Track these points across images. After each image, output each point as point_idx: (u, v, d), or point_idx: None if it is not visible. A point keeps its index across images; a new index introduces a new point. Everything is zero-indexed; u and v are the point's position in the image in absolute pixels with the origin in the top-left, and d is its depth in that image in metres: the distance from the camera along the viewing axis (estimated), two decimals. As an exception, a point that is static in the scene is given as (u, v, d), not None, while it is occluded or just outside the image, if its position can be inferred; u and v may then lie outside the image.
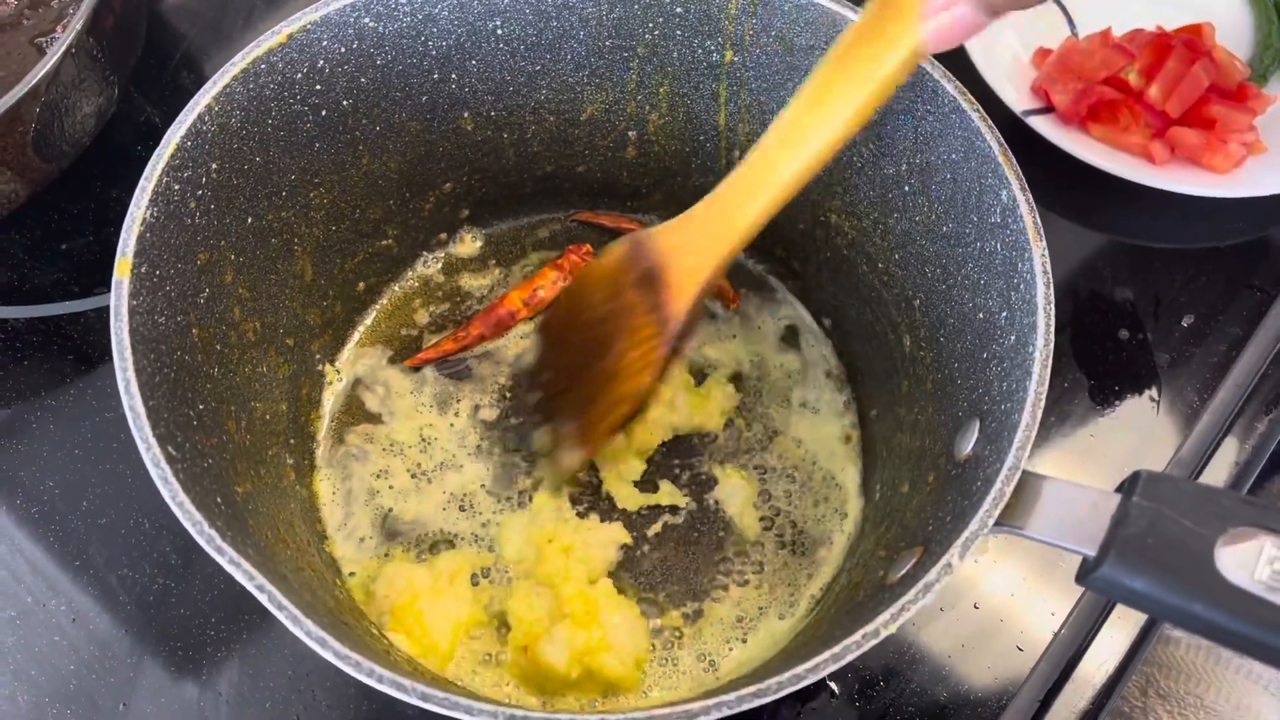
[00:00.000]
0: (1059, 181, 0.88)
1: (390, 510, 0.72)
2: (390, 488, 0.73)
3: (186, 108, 0.59)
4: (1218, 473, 0.78)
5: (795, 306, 0.81)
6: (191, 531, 0.48)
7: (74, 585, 0.71)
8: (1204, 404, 0.80)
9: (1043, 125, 0.88)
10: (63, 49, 0.71)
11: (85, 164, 0.83)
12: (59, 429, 0.76)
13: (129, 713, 0.68)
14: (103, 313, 0.77)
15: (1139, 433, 0.79)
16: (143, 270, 0.56)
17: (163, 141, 0.58)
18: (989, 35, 0.90)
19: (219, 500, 0.55)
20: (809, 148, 0.60)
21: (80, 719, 0.68)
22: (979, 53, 0.90)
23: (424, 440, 0.75)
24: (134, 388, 0.52)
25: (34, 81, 0.70)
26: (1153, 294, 0.85)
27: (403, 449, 0.74)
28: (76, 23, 0.72)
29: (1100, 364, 0.82)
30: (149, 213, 0.57)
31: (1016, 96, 0.89)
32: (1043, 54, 0.92)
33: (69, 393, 0.77)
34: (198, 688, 0.68)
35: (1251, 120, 0.87)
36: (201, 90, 0.60)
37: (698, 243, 0.64)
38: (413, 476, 0.73)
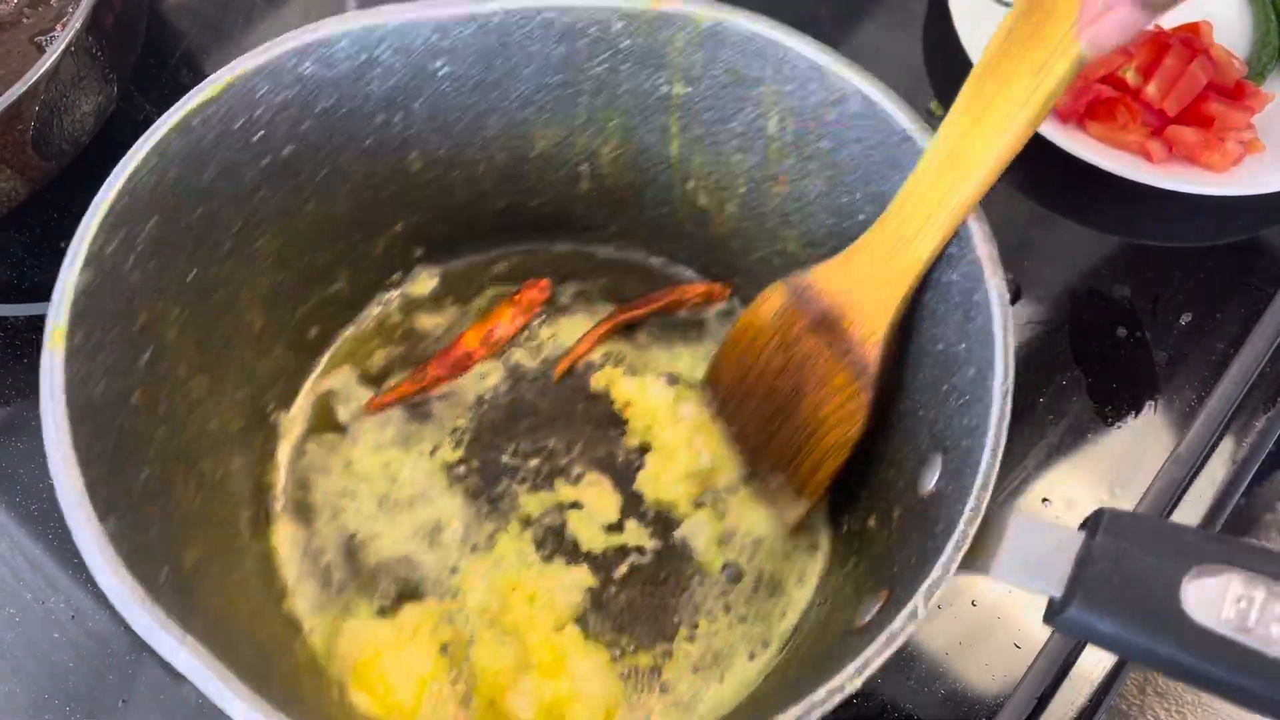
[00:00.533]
0: (1056, 180, 0.87)
1: (355, 535, 0.71)
2: (356, 510, 0.72)
3: (116, 168, 0.58)
4: (1216, 470, 0.78)
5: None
6: (126, 616, 0.47)
7: (73, 582, 0.71)
8: (1202, 402, 0.81)
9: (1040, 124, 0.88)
10: (62, 47, 0.71)
11: (85, 162, 0.82)
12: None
13: (128, 709, 0.68)
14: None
15: (1136, 430, 0.80)
16: (77, 339, 0.54)
17: (94, 203, 0.56)
18: (987, 33, 0.90)
19: (167, 570, 0.54)
20: (980, 170, 0.57)
21: (80, 716, 0.68)
22: (976, 51, 0.90)
23: (390, 475, 0.74)
24: (72, 464, 0.50)
25: (34, 79, 0.70)
26: (1151, 292, 0.85)
27: (368, 477, 0.74)
28: (76, 21, 0.72)
29: (1097, 362, 0.82)
30: (83, 278, 0.55)
31: None
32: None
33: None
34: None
35: (1249, 118, 0.87)
36: (134, 147, 0.58)
37: (878, 277, 0.62)
38: (379, 505, 0.72)
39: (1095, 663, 0.70)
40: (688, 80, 0.68)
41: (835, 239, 0.69)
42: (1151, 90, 0.87)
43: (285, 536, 0.71)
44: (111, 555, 0.48)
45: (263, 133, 0.65)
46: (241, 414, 0.70)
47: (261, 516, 0.71)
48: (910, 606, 0.50)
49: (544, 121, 0.72)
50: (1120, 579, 0.48)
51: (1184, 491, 0.77)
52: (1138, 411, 0.80)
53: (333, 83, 0.66)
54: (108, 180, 0.58)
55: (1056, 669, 0.70)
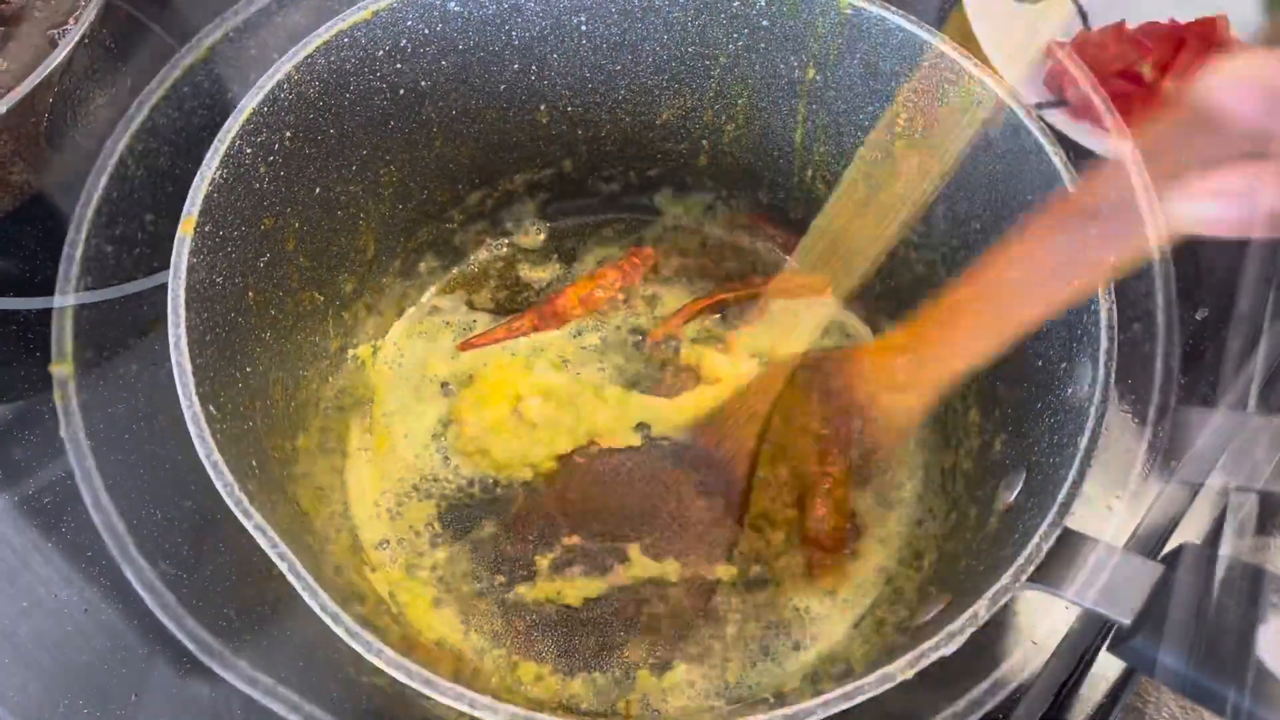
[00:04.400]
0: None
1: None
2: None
3: (266, 74, 0.60)
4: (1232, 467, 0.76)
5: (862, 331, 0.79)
6: (222, 492, 0.49)
7: (86, 576, 0.71)
8: (1218, 397, 0.78)
9: (1056, 119, 0.87)
10: (76, 39, 0.72)
11: (97, 156, 0.82)
12: (70, 420, 0.76)
13: (140, 703, 0.67)
14: (115, 304, 0.76)
15: (1152, 426, 0.78)
16: (206, 229, 0.57)
17: (239, 106, 0.59)
18: (1002, 29, 0.90)
19: (254, 464, 0.56)
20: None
21: (91, 709, 0.67)
22: (993, 46, 0.89)
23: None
24: (183, 344, 0.53)
25: (47, 71, 0.70)
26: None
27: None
28: (89, 13, 0.73)
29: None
30: (219, 174, 0.58)
31: (1030, 90, 0.88)
32: (1056, 47, 0.91)
33: (80, 384, 0.77)
34: (209, 679, 0.67)
35: (1265, 113, 0.86)
36: (283, 58, 0.61)
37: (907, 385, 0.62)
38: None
39: (1113, 660, 0.69)
40: (822, 67, 0.68)
41: (949, 244, 0.69)
42: (1168, 85, 0.86)
43: (363, 456, 0.73)
44: (209, 435, 0.50)
45: (402, 65, 0.67)
46: (343, 333, 0.72)
47: (345, 433, 0.73)
48: (972, 610, 0.49)
49: (673, 91, 0.73)
50: (1194, 616, 0.47)
51: (1199, 491, 0.75)
52: (1153, 408, 0.78)
53: (476, 24, 0.67)
54: (254, 87, 0.60)
55: (1073, 666, 0.69)
